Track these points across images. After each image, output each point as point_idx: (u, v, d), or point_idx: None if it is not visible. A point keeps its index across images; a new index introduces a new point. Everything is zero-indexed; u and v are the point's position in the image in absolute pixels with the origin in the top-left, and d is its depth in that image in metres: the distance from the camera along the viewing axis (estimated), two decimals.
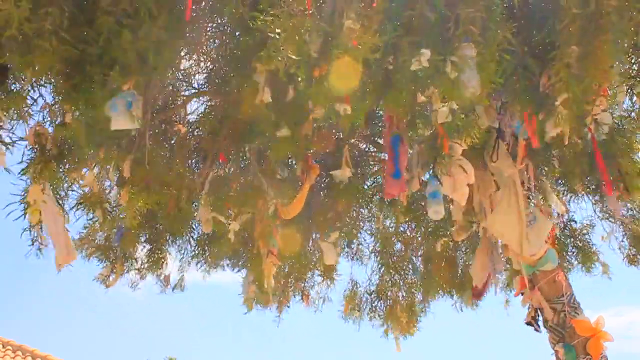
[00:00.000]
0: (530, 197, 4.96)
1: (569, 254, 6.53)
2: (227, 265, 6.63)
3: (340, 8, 2.85)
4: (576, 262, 6.51)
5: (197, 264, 6.61)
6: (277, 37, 2.79)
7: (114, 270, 6.38)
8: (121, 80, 3.09)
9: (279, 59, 2.82)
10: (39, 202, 4.26)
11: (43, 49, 2.87)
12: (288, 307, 7.04)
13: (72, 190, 4.67)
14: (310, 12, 2.90)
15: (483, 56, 2.94)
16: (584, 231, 6.57)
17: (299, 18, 2.82)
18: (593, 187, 5.69)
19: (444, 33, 2.92)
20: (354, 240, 6.89)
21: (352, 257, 7.14)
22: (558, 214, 5.87)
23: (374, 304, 7.24)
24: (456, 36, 2.90)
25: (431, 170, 4.35)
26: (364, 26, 2.79)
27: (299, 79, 2.95)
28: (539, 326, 5.36)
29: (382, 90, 3.18)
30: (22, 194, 4.43)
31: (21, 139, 4.10)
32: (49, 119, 4.12)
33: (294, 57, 2.77)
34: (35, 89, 3.63)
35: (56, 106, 3.87)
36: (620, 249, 6.45)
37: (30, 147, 4.18)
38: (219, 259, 6.49)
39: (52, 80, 3.42)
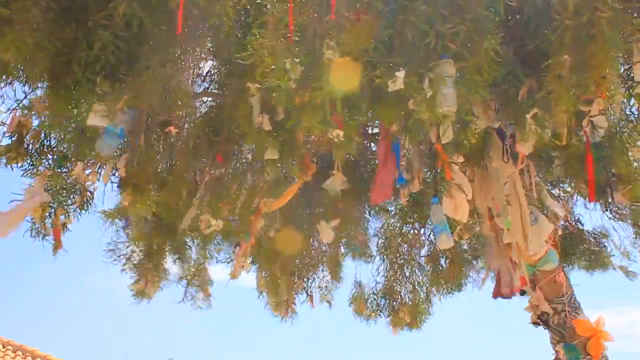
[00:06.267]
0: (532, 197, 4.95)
1: (577, 256, 6.53)
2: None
3: (322, 35, 2.83)
4: (587, 264, 6.52)
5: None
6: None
7: (148, 284, 6.43)
8: (107, 87, 3.08)
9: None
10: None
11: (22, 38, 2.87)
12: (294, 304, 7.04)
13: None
14: (292, 39, 2.88)
15: (466, 68, 2.91)
16: (595, 234, 6.55)
17: (279, 47, 2.81)
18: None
19: (423, 50, 2.89)
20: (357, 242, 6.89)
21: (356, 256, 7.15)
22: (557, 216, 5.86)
23: (379, 303, 7.27)
24: (435, 52, 2.87)
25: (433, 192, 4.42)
26: (344, 54, 2.78)
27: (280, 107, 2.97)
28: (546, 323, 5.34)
29: (371, 105, 3.17)
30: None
31: (2, 123, 4.28)
32: (34, 112, 4.25)
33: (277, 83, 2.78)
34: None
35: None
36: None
37: (10, 135, 4.34)
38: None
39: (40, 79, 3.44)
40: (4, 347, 11.07)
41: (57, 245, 4.97)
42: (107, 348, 31.83)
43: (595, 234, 6.62)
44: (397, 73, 2.79)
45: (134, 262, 6.37)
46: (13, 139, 4.35)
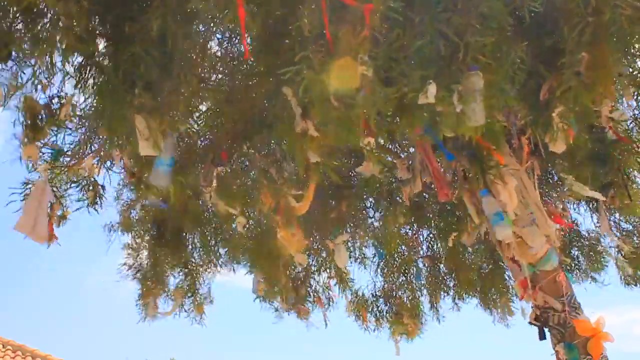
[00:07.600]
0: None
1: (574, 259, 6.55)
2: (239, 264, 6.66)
3: (355, 49, 2.80)
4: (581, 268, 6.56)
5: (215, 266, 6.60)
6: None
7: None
8: (147, 98, 3.09)
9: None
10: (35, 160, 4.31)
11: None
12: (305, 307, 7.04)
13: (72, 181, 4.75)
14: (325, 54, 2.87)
15: (495, 79, 2.94)
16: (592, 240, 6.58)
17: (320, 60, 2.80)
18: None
19: (452, 61, 2.90)
20: (358, 242, 6.90)
21: (356, 259, 7.15)
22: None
23: (379, 308, 7.26)
24: (464, 64, 2.88)
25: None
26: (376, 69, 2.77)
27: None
28: (543, 327, 5.35)
29: (396, 114, 3.18)
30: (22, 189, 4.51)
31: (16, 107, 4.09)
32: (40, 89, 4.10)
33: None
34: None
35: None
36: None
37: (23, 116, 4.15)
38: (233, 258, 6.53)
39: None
40: (4, 347, 11.05)
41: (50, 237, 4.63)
42: (107, 348, 31.72)
43: (591, 237, 6.67)
44: (429, 87, 2.79)
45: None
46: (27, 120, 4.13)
